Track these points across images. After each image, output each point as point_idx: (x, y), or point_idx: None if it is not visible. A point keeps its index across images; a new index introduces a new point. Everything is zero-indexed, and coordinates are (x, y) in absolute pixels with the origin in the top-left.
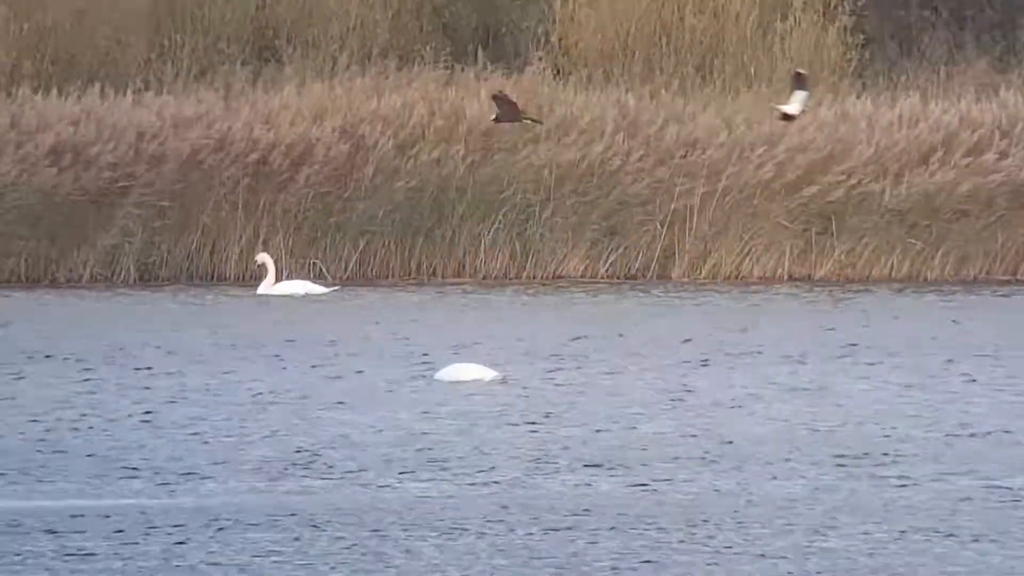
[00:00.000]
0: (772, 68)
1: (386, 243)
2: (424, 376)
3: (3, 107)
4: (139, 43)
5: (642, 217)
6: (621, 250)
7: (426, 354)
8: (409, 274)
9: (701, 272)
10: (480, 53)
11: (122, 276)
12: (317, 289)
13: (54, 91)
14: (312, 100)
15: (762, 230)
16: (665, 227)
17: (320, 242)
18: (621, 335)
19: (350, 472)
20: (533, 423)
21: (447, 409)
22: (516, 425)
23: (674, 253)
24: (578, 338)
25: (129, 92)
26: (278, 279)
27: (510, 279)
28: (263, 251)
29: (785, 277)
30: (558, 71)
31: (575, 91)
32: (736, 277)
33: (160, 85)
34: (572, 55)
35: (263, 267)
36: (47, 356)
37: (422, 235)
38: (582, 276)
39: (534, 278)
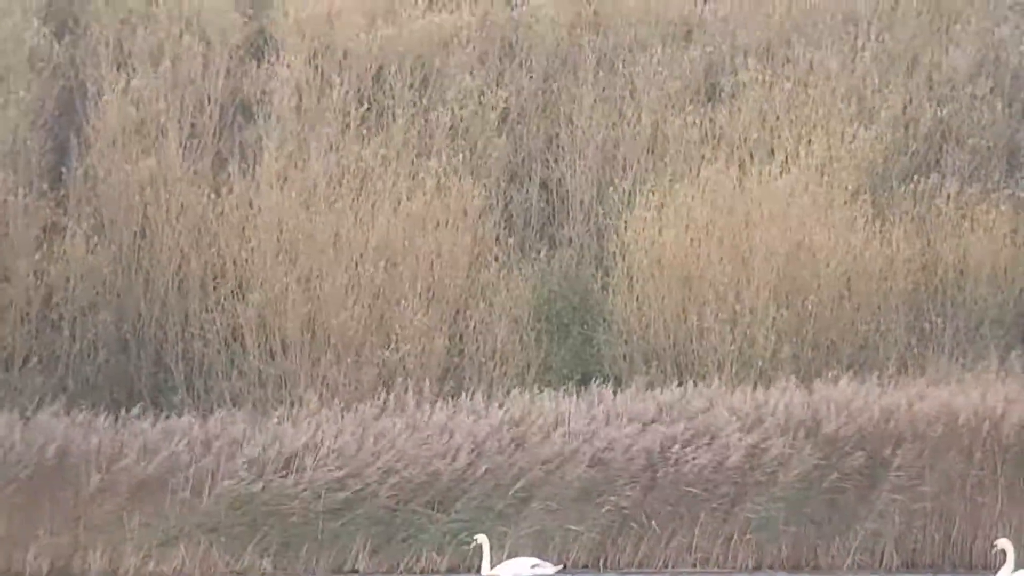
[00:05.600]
0: None
1: None
2: None
3: None
4: (898, 327)
5: None
6: None
7: None
8: None
9: None
10: None
11: (883, 561)
12: None
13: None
14: None
15: None
16: None
17: None
18: None
19: None
20: None
21: None
22: None
23: None
24: None
25: (877, 376)
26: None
27: None
28: (1006, 537)
29: None
30: None
31: None
32: None
33: (918, 369)
34: None
35: (1002, 553)
36: None
37: None
38: None
39: None
